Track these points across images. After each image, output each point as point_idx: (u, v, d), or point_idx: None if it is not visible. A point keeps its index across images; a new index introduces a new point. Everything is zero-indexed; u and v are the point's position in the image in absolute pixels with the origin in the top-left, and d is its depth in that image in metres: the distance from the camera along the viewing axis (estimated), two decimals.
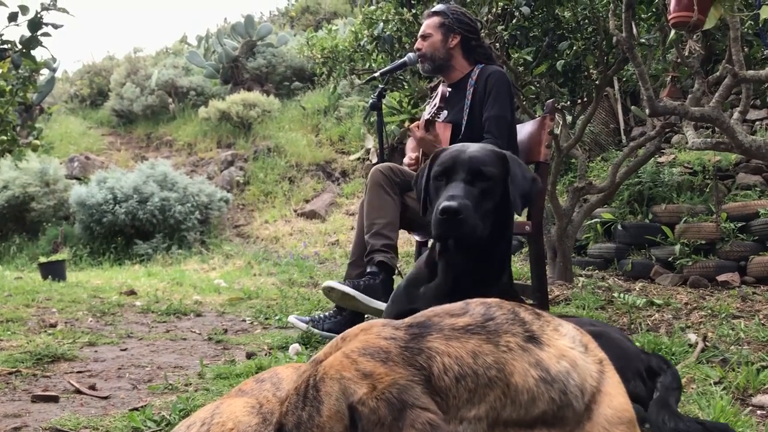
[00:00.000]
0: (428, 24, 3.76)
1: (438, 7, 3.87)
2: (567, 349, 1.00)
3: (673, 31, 3.76)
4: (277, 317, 4.67)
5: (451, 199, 2.00)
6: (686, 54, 4.30)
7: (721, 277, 5.33)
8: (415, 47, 3.87)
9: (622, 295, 4.68)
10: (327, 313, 3.80)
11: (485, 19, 5.32)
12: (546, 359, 0.97)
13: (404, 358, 0.94)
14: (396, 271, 3.63)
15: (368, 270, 3.53)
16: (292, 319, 3.86)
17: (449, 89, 3.67)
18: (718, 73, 4.34)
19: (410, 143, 3.93)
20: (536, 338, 0.99)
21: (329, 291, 3.52)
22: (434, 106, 3.51)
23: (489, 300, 1.06)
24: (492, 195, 2.10)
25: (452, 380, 0.93)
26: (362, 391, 0.91)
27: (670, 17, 3.18)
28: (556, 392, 0.96)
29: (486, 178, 2.09)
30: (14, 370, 2.95)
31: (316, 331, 3.63)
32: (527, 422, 0.94)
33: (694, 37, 4.25)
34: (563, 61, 5.29)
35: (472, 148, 2.17)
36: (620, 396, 1.04)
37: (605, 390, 1.02)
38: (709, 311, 4.06)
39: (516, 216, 2.25)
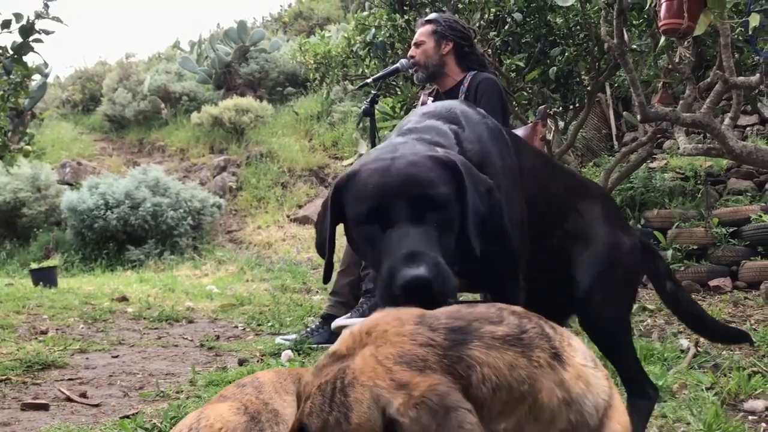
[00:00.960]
0: (421, 32, 3.78)
1: (431, 15, 3.89)
2: (582, 368, 1.00)
3: (663, 38, 3.78)
4: (269, 323, 4.65)
5: (411, 261, 1.25)
6: (677, 60, 4.32)
7: (713, 282, 5.35)
8: (408, 55, 3.88)
9: None
10: (314, 326, 3.82)
11: (477, 25, 5.34)
12: (568, 380, 0.97)
13: (443, 366, 0.91)
14: None
15: (365, 288, 3.54)
16: (279, 341, 3.80)
17: (430, 98, 3.69)
18: (708, 79, 4.36)
19: None
20: (559, 356, 0.98)
21: (341, 328, 3.52)
22: None
23: (516, 309, 1.04)
24: (451, 230, 1.39)
25: (489, 391, 0.91)
26: (398, 402, 0.87)
27: (660, 24, 3.20)
28: (574, 414, 0.96)
29: (439, 206, 1.36)
30: (4, 377, 2.93)
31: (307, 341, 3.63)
32: None
33: (685, 43, 4.28)
34: (555, 67, 5.31)
35: (401, 159, 1.40)
36: (624, 410, 1.05)
37: (614, 405, 1.03)
38: None
39: None
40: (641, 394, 1.98)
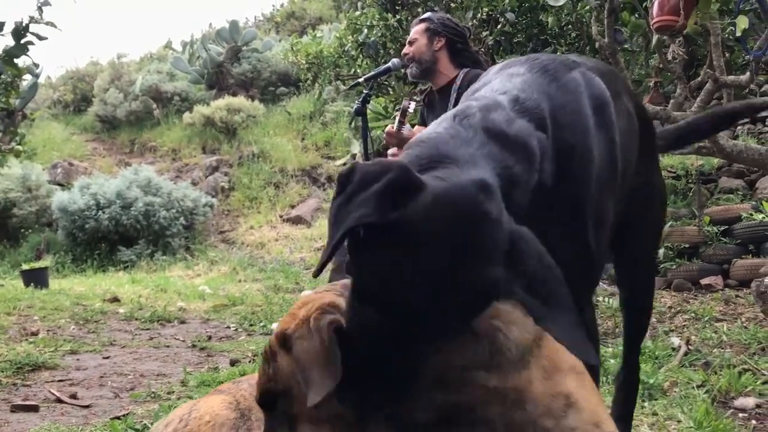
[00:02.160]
0: (415, 30, 3.80)
1: (425, 15, 3.91)
2: (499, 308, 1.10)
3: (656, 37, 3.79)
4: (261, 324, 4.64)
5: None
6: (669, 59, 4.33)
7: (704, 281, 5.37)
8: (402, 53, 3.89)
9: (606, 299, 4.70)
10: None
11: (470, 24, 5.35)
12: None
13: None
14: None
15: None
16: (275, 326, 3.83)
17: (411, 103, 3.70)
18: (699, 78, 4.37)
19: (392, 149, 3.94)
20: None
21: None
22: (396, 120, 3.55)
23: None
24: None
25: None
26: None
27: (653, 22, 3.21)
28: (488, 345, 1.07)
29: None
30: None
31: None
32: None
33: (677, 41, 4.29)
34: None
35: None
36: (558, 350, 1.11)
37: (544, 345, 1.11)
38: (693, 314, 4.09)
39: None
40: (634, 369, 1.92)
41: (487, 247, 0.98)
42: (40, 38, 4.66)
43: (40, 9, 4.61)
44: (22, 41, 4.65)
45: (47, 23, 4.61)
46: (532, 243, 1.03)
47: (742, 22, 3.06)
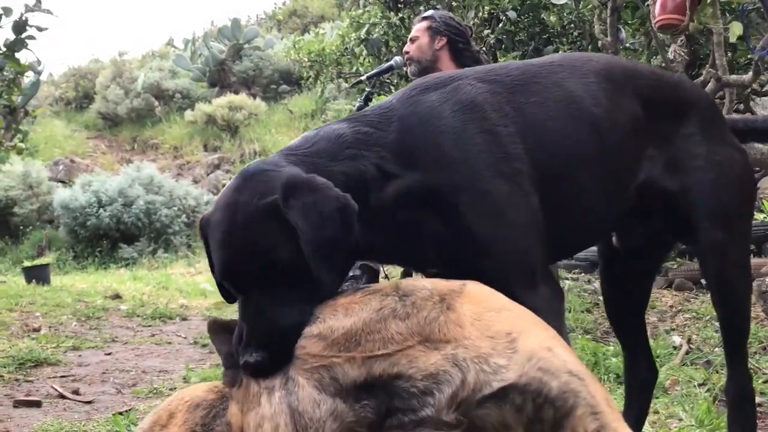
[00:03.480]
0: (417, 28, 3.79)
1: (427, 12, 3.91)
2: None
3: (659, 35, 3.79)
4: None
5: (250, 345, 1.19)
6: (671, 58, 4.34)
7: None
8: (403, 51, 3.89)
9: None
10: None
11: (472, 23, 5.35)
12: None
13: None
14: (383, 274, 3.62)
15: (351, 274, 3.52)
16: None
17: None
18: (702, 78, 4.38)
19: None
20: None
21: None
22: None
23: None
24: (300, 274, 1.22)
25: None
26: None
27: (655, 21, 3.20)
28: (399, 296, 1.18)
29: (275, 264, 1.20)
30: None
31: None
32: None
33: (678, 41, 4.29)
34: None
35: (240, 210, 1.22)
36: (485, 297, 1.19)
37: (467, 292, 1.18)
38: (694, 314, 4.09)
39: None
40: (740, 382, 1.68)
41: None
42: (40, 29, 4.66)
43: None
44: (23, 35, 4.65)
45: (44, 10, 4.60)
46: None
47: (736, 28, 3.07)
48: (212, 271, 1.30)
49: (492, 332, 1.10)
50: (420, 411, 1.07)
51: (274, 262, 1.20)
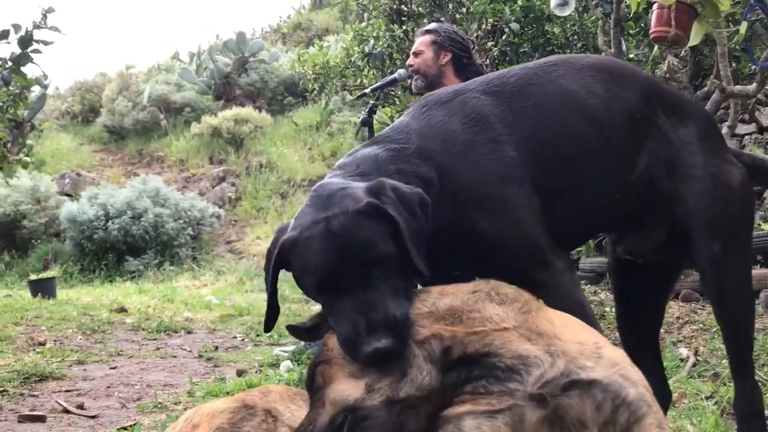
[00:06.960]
0: (421, 42, 3.79)
1: (431, 25, 3.90)
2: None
3: (656, 47, 3.79)
4: (268, 334, 4.64)
5: (373, 333, 1.25)
6: (664, 70, 4.33)
7: None
8: (407, 64, 3.89)
9: (614, 309, 4.67)
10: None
11: (475, 35, 5.36)
12: None
13: None
14: None
15: None
16: (278, 351, 3.84)
17: None
18: (706, 89, 4.37)
19: None
20: None
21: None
22: None
23: None
24: (400, 270, 1.36)
25: None
26: None
27: (651, 32, 3.22)
28: None
29: (382, 259, 1.33)
30: (1, 389, 2.92)
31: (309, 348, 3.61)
32: None
33: (673, 53, 4.29)
34: None
35: (334, 221, 1.34)
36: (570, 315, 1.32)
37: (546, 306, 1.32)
38: (701, 325, 4.07)
39: None
40: (747, 397, 1.68)
41: None
42: (46, 44, 4.69)
43: (44, 16, 4.64)
44: (29, 49, 4.68)
45: (51, 28, 4.64)
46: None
47: (742, 28, 3.07)
48: (303, 288, 1.41)
49: (580, 339, 1.22)
50: (507, 382, 1.15)
51: (379, 255, 1.32)
